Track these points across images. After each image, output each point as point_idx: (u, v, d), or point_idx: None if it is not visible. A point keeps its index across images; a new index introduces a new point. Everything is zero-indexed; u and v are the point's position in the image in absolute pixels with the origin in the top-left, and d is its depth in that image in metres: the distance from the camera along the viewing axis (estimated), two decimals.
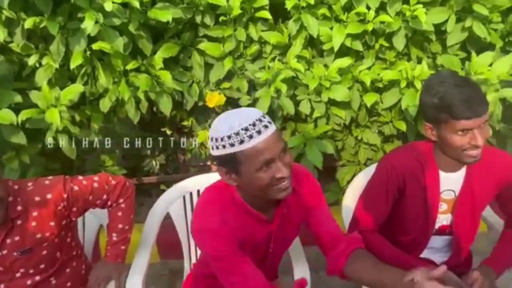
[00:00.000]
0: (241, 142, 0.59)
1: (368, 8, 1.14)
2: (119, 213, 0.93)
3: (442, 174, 0.83)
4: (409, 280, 0.59)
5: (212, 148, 0.64)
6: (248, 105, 1.23)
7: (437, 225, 0.86)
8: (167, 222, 1.07)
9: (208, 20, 1.19)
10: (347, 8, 1.18)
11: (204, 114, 1.34)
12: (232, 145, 0.60)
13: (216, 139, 0.62)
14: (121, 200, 0.93)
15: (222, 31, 1.18)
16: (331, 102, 1.22)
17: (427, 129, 0.76)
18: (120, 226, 0.94)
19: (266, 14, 1.17)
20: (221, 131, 0.61)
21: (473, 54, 1.12)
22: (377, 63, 1.24)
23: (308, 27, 1.15)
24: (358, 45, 1.19)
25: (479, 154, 0.70)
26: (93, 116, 1.26)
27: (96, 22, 1.02)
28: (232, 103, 1.27)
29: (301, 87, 1.23)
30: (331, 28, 1.17)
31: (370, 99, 1.20)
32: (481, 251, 0.89)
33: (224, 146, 0.61)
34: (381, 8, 1.18)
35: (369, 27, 1.13)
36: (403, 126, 1.26)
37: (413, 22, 1.13)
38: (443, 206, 0.86)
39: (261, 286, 0.71)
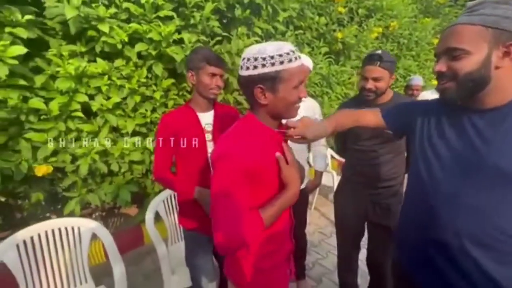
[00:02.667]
0: (290, 60, 0.68)
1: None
2: None
3: (199, 114, 1.27)
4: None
5: (255, 67, 0.68)
6: (72, 171, 1.86)
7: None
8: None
9: (32, 118, 1.74)
10: (135, 109, 2.07)
11: (36, 181, 1.84)
12: (281, 62, 0.67)
13: (264, 58, 0.67)
14: None
15: (44, 125, 1.77)
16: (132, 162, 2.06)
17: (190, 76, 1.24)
18: None
19: (80, 114, 1.87)
20: (271, 50, 0.67)
21: None
22: None
23: (110, 121, 1.95)
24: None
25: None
26: None
27: None
28: (60, 170, 1.85)
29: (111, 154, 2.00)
30: (125, 121, 2.02)
31: None
32: None
33: (273, 64, 0.66)
34: None
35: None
36: None
37: None
38: (208, 136, 1.27)
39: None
